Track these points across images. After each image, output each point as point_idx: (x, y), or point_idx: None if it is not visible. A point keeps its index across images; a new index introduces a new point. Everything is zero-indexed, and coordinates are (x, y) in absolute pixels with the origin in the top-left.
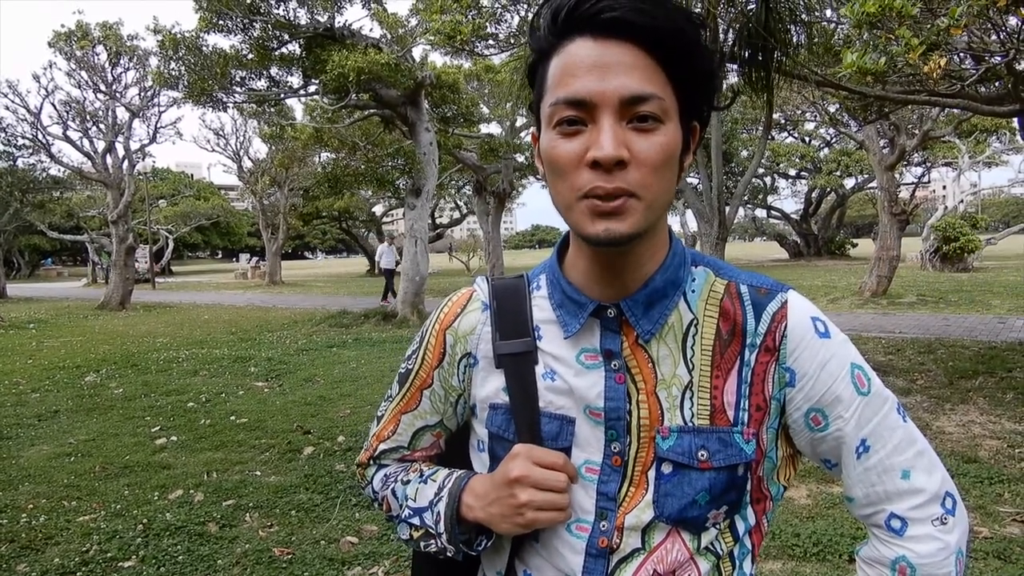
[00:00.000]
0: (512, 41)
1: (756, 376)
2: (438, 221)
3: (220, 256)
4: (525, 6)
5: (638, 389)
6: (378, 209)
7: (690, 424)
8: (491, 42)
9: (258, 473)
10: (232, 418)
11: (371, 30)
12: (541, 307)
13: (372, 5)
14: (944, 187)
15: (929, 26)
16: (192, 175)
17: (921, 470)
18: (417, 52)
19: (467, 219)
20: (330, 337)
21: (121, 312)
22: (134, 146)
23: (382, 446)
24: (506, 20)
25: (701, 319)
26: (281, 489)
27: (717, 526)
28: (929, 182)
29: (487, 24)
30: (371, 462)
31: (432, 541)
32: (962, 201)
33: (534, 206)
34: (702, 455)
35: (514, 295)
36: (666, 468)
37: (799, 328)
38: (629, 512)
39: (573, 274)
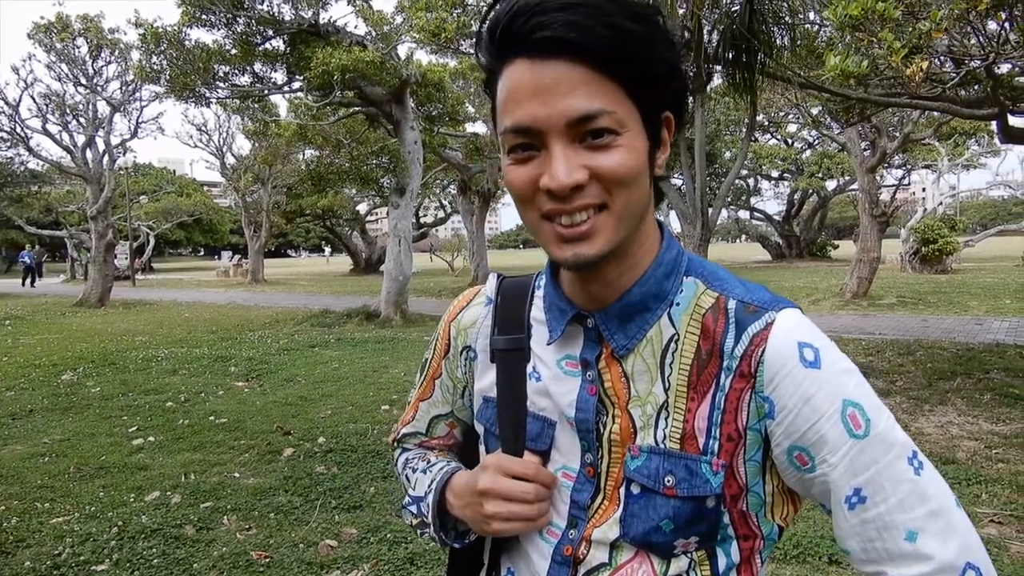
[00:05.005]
0: None
1: (729, 403)
2: (422, 220)
3: (202, 254)
4: None
5: (612, 403)
6: (362, 208)
7: (661, 446)
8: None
9: (237, 475)
10: (211, 418)
11: (356, 27)
12: (538, 306)
13: (357, 2)
14: (924, 189)
15: (911, 29)
16: (174, 171)
17: (932, 534)
18: (403, 50)
19: (452, 218)
20: (312, 337)
21: (100, 309)
22: (115, 141)
23: (404, 430)
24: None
25: (683, 335)
26: (260, 491)
27: (689, 555)
28: (909, 184)
29: (472, 22)
30: (395, 444)
31: (427, 530)
32: (941, 203)
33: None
34: (668, 481)
35: (517, 292)
36: (634, 488)
37: (779, 354)
38: (598, 526)
39: (563, 279)
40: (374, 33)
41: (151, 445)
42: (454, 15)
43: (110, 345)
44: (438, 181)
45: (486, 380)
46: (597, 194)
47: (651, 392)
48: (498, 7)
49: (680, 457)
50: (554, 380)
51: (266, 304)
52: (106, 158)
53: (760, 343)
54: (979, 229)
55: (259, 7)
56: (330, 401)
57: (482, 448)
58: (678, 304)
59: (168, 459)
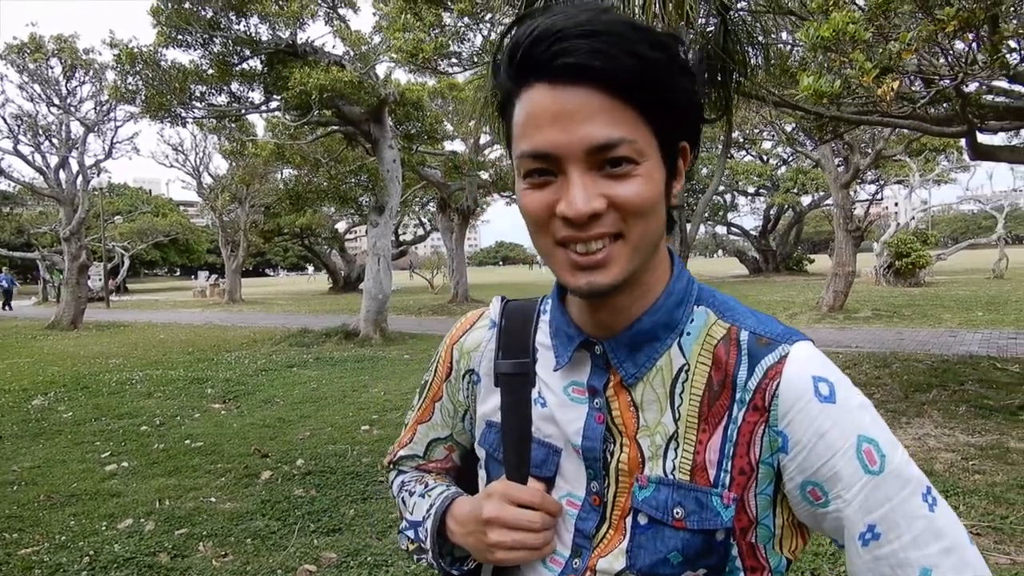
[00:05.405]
0: (475, 59)
1: (742, 436)
2: (402, 238)
3: (178, 274)
4: (488, 26)
5: (620, 432)
6: (341, 226)
7: (670, 477)
8: (454, 60)
9: (213, 499)
10: (187, 442)
11: (334, 47)
12: (544, 331)
13: (335, 22)
14: (896, 204)
15: (881, 50)
16: (150, 191)
17: (946, 571)
18: (381, 69)
19: (431, 236)
20: (290, 357)
21: (72, 332)
22: (89, 161)
23: (401, 452)
24: (469, 39)
25: (693, 365)
26: (237, 516)
27: None
28: (882, 199)
29: (450, 42)
30: (392, 466)
31: (424, 556)
32: (913, 218)
33: (498, 223)
34: (678, 513)
35: (522, 316)
36: (642, 519)
37: (794, 388)
38: (603, 556)
39: (571, 305)
40: (352, 53)
41: (124, 471)
42: (432, 35)
43: (83, 368)
44: (417, 199)
45: (489, 404)
46: (614, 223)
47: (660, 422)
48: (517, 30)
49: (690, 489)
50: (560, 407)
51: (243, 324)
52: (79, 179)
53: (774, 376)
54: (950, 243)
55: (236, 27)
56: (308, 422)
57: (482, 472)
58: (689, 334)
59: (142, 485)
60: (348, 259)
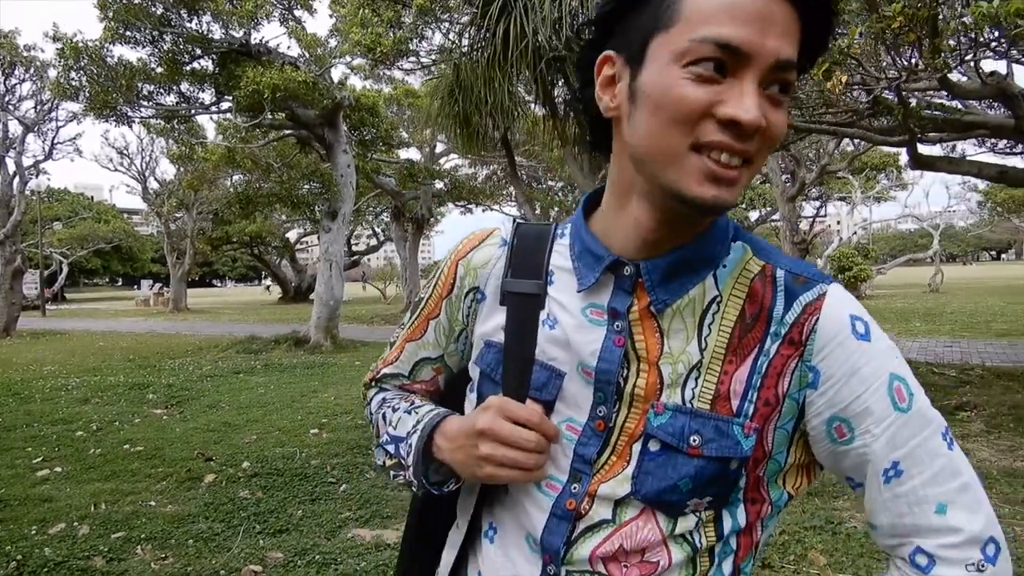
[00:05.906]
0: (434, 58)
1: (772, 368)
2: (355, 248)
3: (120, 283)
4: (446, 24)
5: (639, 357)
6: (292, 235)
7: (688, 405)
8: (412, 58)
9: (153, 503)
10: (126, 447)
11: (288, 48)
12: (561, 254)
13: (290, 23)
14: (838, 222)
15: (831, 46)
16: (92, 197)
17: (961, 507)
18: (336, 75)
19: (384, 247)
20: (237, 363)
21: (5, 339)
22: (27, 162)
23: (385, 370)
24: (427, 37)
25: (726, 298)
26: (178, 519)
27: (698, 515)
28: (825, 216)
29: (409, 39)
30: (373, 383)
31: (402, 473)
32: (855, 233)
33: (453, 234)
34: (694, 440)
35: (536, 237)
36: (653, 446)
37: (832, 324)
38: (605, 481)
39: (599, 226)
40: (307, 55)
41: (57, 476)
42: (390, 33)
43: (14, 375)
44: (371, 208)
45: (491, 323)
46: (754, 146)
47: (685, 351)
48: None
49: (709, 418)
50: (577, 328)
51: (189, 332)
52: (16, 180)
53: (813, 312)
54: (889, 259)
55: (187, 25)
56: (256, 426)
57: (471, 396)
58: (724, 266)
59: (76, 490)
60: (299, 269)
